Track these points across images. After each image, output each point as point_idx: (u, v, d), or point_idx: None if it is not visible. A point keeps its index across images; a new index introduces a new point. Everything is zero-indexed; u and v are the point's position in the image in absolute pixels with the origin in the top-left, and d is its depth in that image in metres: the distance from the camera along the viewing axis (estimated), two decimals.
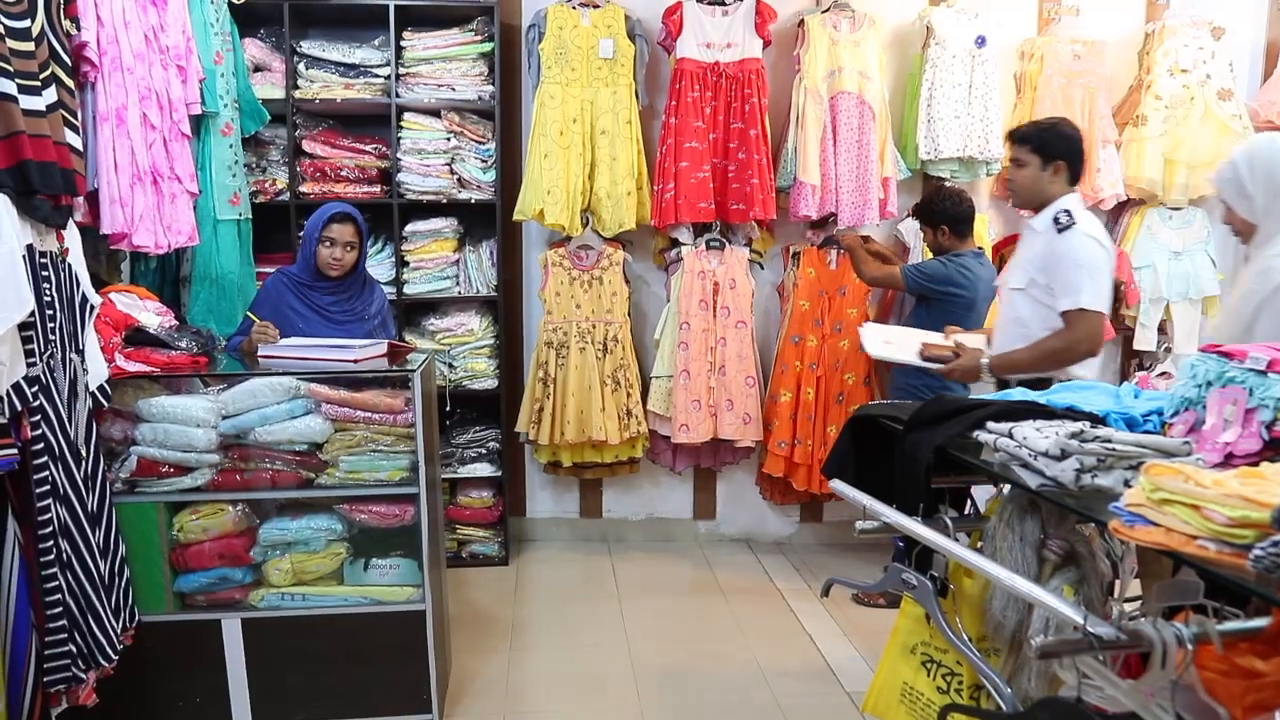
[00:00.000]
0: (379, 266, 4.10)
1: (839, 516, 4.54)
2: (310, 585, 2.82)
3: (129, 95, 2.92)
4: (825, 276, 4.10)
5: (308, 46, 4.01)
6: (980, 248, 3.74)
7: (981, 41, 4.11)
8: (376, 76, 4.04)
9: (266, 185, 4.05)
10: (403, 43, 4.01)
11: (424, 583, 2.79)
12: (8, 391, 2.16)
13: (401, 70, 4.03)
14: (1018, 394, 1.95)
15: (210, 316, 3.56)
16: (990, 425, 1.73)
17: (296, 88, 4.00)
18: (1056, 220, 2.79)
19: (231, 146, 3.65)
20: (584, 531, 4.60)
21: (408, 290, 4.11)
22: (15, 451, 2.19)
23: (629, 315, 4.21)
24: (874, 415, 2.07)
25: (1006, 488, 1.81)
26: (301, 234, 3.24)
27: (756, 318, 4.26)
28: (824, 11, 4.12)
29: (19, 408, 2.19)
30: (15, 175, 2.22)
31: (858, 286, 4.09)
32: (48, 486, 2.30)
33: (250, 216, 3.84)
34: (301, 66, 4.01)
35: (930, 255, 3.77)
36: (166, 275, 3.64)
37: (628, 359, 4.16)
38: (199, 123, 3.50)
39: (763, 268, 4.34)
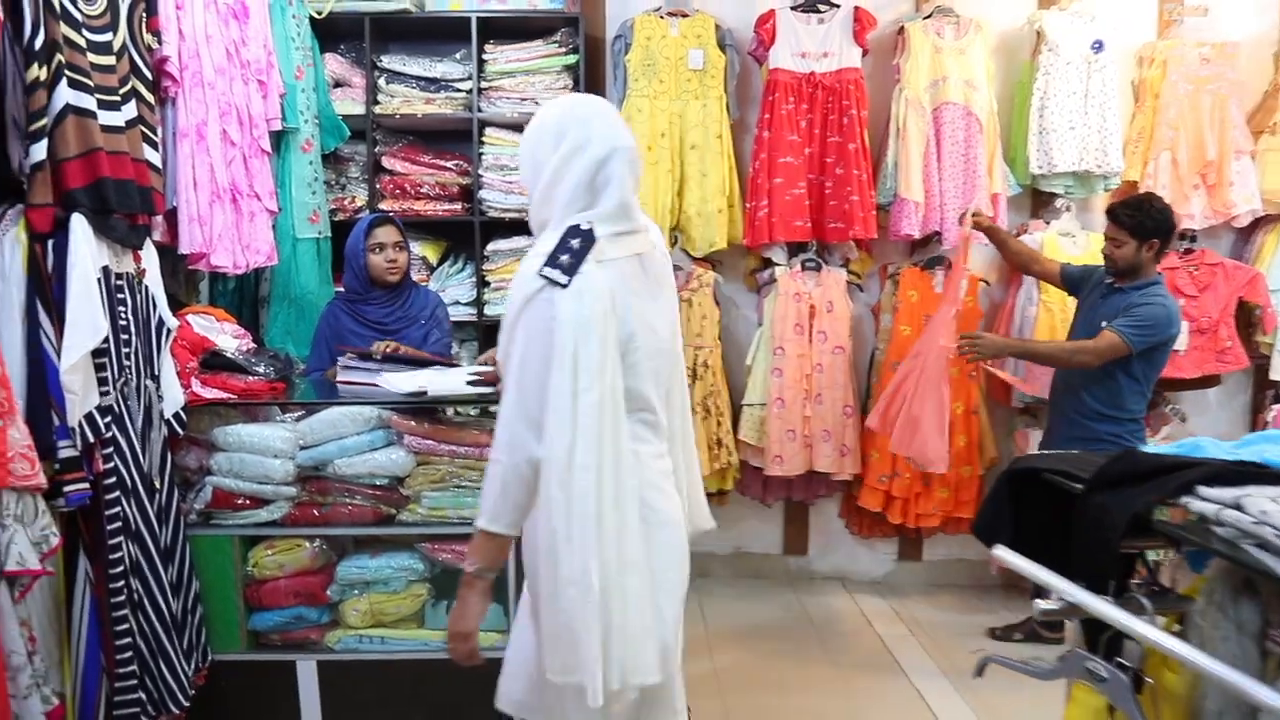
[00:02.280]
0: (459, 287, 3.96)
1: (938, 555, 4.25)
2: (389, 628, 2.66)
3: (209, 111, 2.81)
4: (930, 299, 3.82)
5: (388, 61, 3.89)
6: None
7: (1099, 46, 3.82)
8: (458, 91, 3.91)
9: (346, 203, 3.93)
10: (484, 56, 3.88)
11: (510, 629, 2.59)
12: (80, 423, 2.03)
13: (483, 84, 3.89)
14: (1208, 445, 1.67)
15: (288, 338, 3.45)
16: (1203, 491, 1.46)
17: (377, 103, 3.89)
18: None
19: (311, 163, 3.54)
20: None
21: (489, 311, 3.96)
22: (87, 486, 2.07)
23: (719, 339, 4.00)
24: (1039, 469, 1.80)
25: (1216, 563, 1.54)
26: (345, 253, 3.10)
27: (855, 343, 4.00)
28: (926, 18, 3.88)
29: (91, 440, 2.07)
30: (92, 194, 2.11)
31: (969, 310, 3.82)
32: (119, 523, 2.17)
33: (330, 235, 3.73)
34: (382, 81, 3.90)
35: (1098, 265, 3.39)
36: (245, 295, 3.54)
37: (718, 385, 3.95)
38: (279, 139, 3.39)
39: (862, 290, 4.10)
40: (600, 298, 1.60)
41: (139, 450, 2.25)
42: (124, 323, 2.24)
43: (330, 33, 3.83)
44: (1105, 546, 1.51)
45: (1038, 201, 4.05)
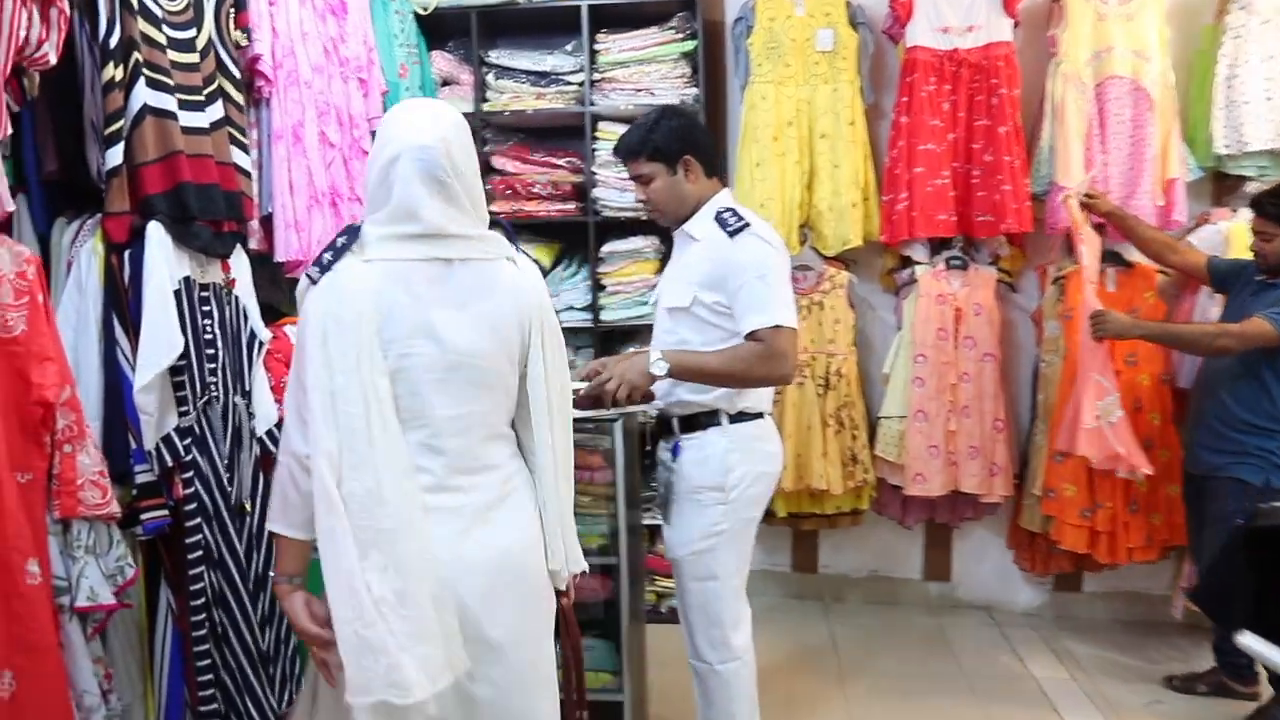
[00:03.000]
0: (573, 291, 3.75)
1: (1103, 587, 3.78)
2: None
3: (306, 111, 2.67)
4: (1105, 301, 3.37)
5: (496, 56, 3.72)
6: None
7: None
8: (569, 84, 3.70)
9: None
10: (596, 46, 3.66)
11: (622, 669, 2.35)
12: (157, 446, 1.89)
13: (595, 76, 3.67)
14: None
15: None
16: None
17: (485, 100, 3.72)
18: None
19: None
20: (797, 587, 4.06)
21: (604, 316, 3.73)
22: (166, 513, 1.92)
23: (854, 345, 3.66)
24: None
25: None
26: None
27: (1007, 350, 3.59)
28: None
29: (170, 463, 1.92)
30: (171, 200, 1.96)
31: (1152, 308, 3.36)
32: (200, 551, 2.02)
33: None
34: (490, 77, 3.73)
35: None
36: None
37: (852, 396, 3.61)
38: None
39: (1014, 290, 3.68)
40: (355, 294, 1.55)
41: (223, 473, 2.10)
42: (209, 336, 2.09)
43: (437, 30, 3.69)
44: None
45: (1222, 187, 3.54)
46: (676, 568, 2.42)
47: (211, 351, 2.10)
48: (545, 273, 3.79)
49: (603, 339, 3.80)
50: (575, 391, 2.25)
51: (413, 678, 1.49)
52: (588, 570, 1.79)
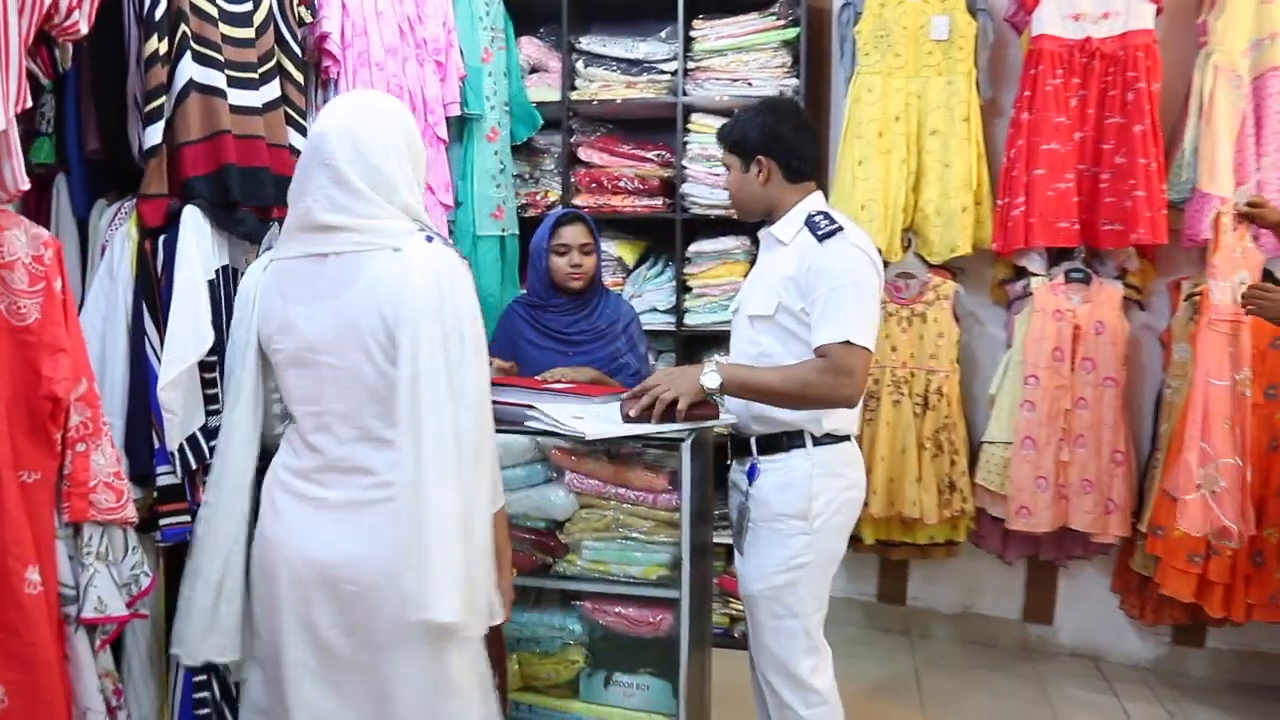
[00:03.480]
0: (657, 292, 3.54)
1: (1230, 644, 3.37)
2: (539, 694, 2.27)
3: None
4: (1252, 324, 2.98)
5: (587, 42, 3.54)
6: None
7: None
8: (662, 73, 3.49)
9: (538, 198, 3.62)
10: (692, 33, 3.43)
11: (679, 712, 2.13)
12: (181, 446, 1.75)
13: (690, 64, 3.45)
14: None
15: None
16: None
17: (573, 88, 3.54)
18: None
19: (497, 153, 3.23)
20: (882, 619, 3.77)
21: (688, 320, 3.51)
22: (188, 519, 1.79)
23: (957, 362, 3.35)
24: None
25: None
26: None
27: (1130, 374, 3.24)
28: None
29: (194, 465, 1.79)
30: (213, 183, 1.83)
31: None
32: None
33: (517, 232, 3.42)
34: (580, 65, 3.55)
35: None
36: None
37: (954, 418, 3.30)
38: (462, 127, 3.10)
39: (1142, 308, 3.31)
40: (243, 291, 1.71)
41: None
42: None
43: (526, 14, 3.53)
44: None
45: None
46: (750, 605, 2.20)
47: None
48: (628, 272, 3.60)
49: (686, 344, 3.58)
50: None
51: (190, 647, 1.70)
52: (501, 622, 1.70)
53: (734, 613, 3.47)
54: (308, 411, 1.62)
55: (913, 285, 3.35)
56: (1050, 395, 3.17)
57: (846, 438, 2.18)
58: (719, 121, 3.31)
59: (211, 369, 1.81)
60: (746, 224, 3.43)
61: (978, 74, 3.22)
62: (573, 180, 3.57)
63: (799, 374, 2.02)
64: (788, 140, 2.17)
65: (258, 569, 1.68)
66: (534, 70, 3.62)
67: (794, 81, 3.35)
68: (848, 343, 1.97)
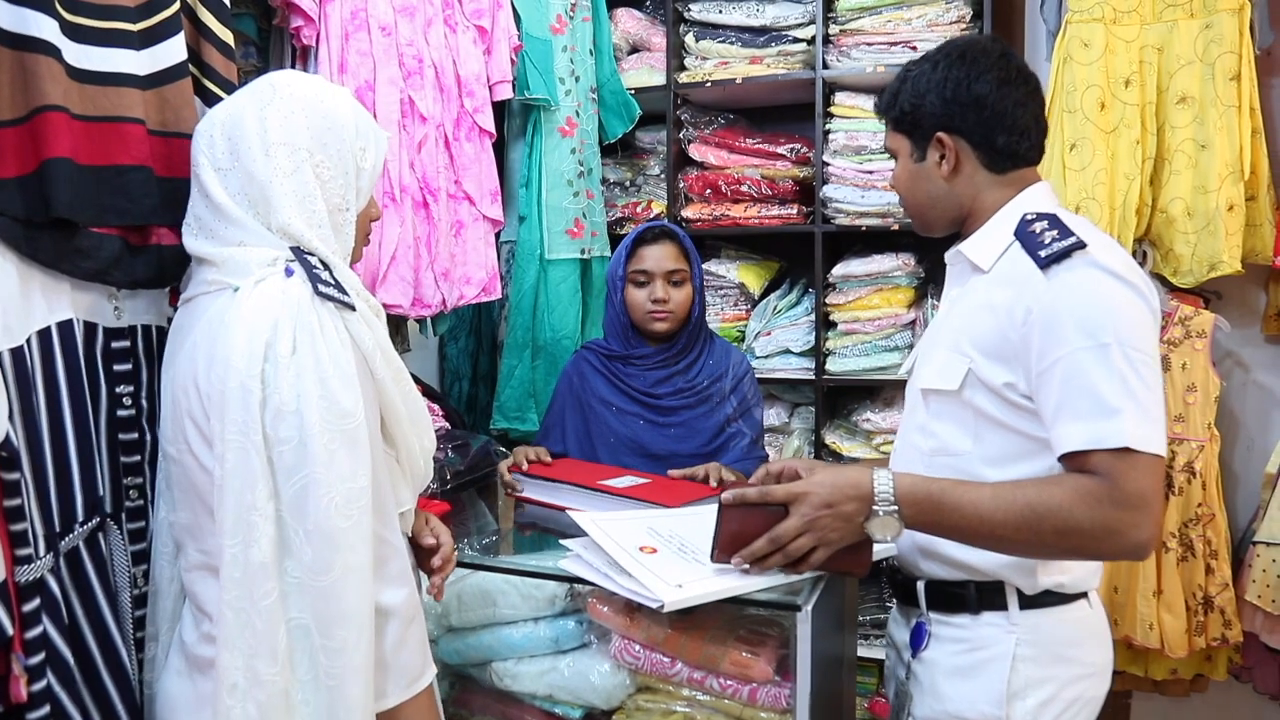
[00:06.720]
0: (791, 329, 2.72)
1: None
2: None
3: (379, 68, 1.83)
4: None
5: (699, 9, 2.77)
6: None
7: None
8: (796, 42, 2.69)
9: (638, 210, 2.88)
10: None
11: None
12: None
13: (833, 29, 2.62)
14: None
15: (529, 403, 2.43)
16: None
17: (682, 69, 2.79)
18: None
19: (574, 152, 2.49)
20: None
21: (831, 366, 2.67)
22: None
23: (1215, 427, 2.37)
24: None
25: None
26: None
27: None
28: None
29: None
30: (26, 191, 1.16)
31: None
32: None
33: (607, 253, 2.67)
34: (690, 38, 2.79)
35: None
36: (483, 343, 2.58)
37: (1210, 506, 2.33)
38: (526, 117, 2.39)
39: None
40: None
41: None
42: (128, 413, 1.28)
43: None
44: None
45: None
46: None
47: (133, 437, 1.28)
48: (754, 302, 2.81)
49: (829, 398, 2.75)
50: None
51: None
52: None
53: None
54: (163, 521, 1.22)
55: None
56: None
57: (1081, 595, 1.31)
58: (871, 102, 2.46)
59: (14, 491, 1.12)
60: (912, 237, 2.59)
61: (1253, 12, 2.25)
62: (681, 186, 2.80)
63: (1045, 501, 1.16)
64: (988, 104, 1.32)
65: None
66: (634, 50, 2.89)
67: None
68: (1127, 450, 1.12)
